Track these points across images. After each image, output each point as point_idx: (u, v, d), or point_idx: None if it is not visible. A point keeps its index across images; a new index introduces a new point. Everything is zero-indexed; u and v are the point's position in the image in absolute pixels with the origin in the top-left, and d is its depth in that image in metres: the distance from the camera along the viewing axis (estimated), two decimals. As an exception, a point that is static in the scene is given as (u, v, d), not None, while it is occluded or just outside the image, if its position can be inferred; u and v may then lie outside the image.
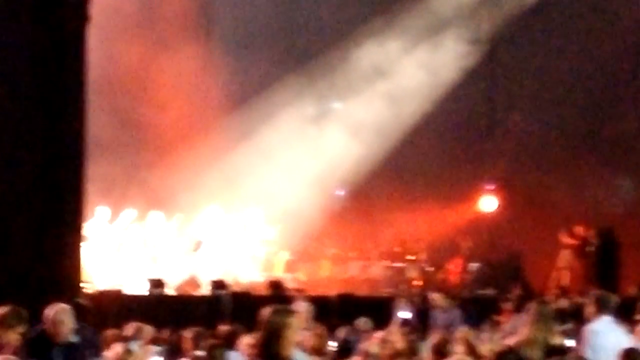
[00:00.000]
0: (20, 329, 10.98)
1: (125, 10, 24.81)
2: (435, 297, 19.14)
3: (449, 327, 16.87)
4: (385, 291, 25.00)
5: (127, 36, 25.13)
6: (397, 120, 27.65)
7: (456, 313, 18.81)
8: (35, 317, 13.72)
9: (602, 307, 12.78)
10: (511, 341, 12.18)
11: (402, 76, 28.02)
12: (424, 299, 20.65)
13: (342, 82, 27.95)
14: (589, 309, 13.00)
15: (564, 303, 21.47)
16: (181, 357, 12.82)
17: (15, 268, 17.40)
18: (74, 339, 11.51)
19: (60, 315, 11.63)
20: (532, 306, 12.29)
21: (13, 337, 10.90)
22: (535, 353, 11.61)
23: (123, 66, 25.12)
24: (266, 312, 9.27)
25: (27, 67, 18.30)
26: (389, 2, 27.92)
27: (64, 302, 16.88)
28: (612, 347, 11.38)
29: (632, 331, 14.22)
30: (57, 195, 18.56)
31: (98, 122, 21.24)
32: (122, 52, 25.02)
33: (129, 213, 24.49)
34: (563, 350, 11.86)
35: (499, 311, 20.56)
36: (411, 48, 28.06)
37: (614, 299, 13.30)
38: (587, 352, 11.91)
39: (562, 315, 19.25)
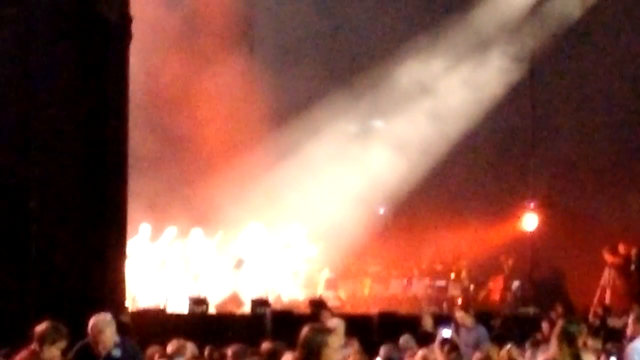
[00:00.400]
0: (61, 344, 11.03)
1: (167, 25, 24.76)
2: (459, 316, 19.08)
3: (475, 345, 16.93)
4: (427, 309, 24.94)
5: (169, 51, 25.16)
6: (440, 138, 27.64)
7: (481, 331, 18.72)
8: (78, 334, 13.84)
9: None
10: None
11: (445, 94, 28.04)
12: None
13: (386, 99, 27.96)
14: (632, 326, 12.99)
15: (612, 322, 21.55)
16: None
17: (58, 285, 17.48)
18: (116, 352, 11.48)
19: (101, 325, 11.61)
20: (558, 324, 12.24)
21: (54, 352, 10.96)
22: None
23: (165, 81, 25.19)
24: (305, 330, 9.29)
25: (72, 85, 18.44)
26: (432, 20, 27.86)
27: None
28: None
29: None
30: (100, 212, 18.68)
31: (141, 138, 21.37)
32: (164, 67, 25.01)
33: (171, 230, 24.57)
34: None
35: (540, 330, 20.56)
36: (454, 66, 28.10)
37: None
38: None
39: (610, 334, 19.35)
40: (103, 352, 11.47)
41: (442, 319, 20.08)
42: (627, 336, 13.43)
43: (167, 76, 25.19)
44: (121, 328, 16.93)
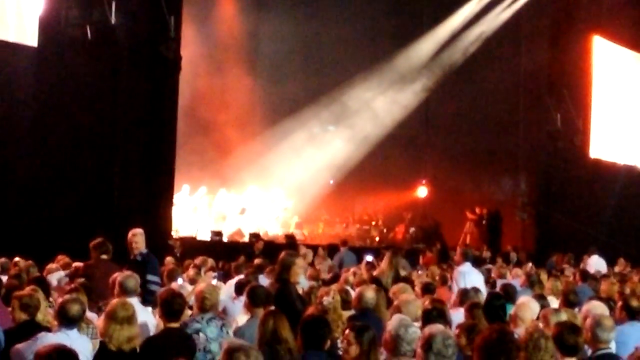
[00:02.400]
0: (108, 253, 11.14)
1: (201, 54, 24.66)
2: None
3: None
4: (357, 244, 25.10)
5: (203, 71, 24.91)
6: (370, 136, 27.69)
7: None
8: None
9: (465, 257, 13.08)
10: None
11: (376, 108, 28.00)
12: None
13: (339, 111, 27.88)
14: (457, 258, 13.38)
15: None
16: (230, 279, 12.86)
17: (133, 221, 17.53)
18: (139, 257, 11.14)
19: (134, 234, 11.31)
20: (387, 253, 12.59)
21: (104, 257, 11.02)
22: (386, 281, 11.86)
23: (200, 91, 24.94)
24: (282, 254, 9.56)
25: (142, 99, 18.53)
26: (374, 59, 27.80)
27: (159, 244, 17.30)
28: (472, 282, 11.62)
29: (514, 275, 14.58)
30: (157, 176, 18.84)
31: (184, 127, 21.36)
32: (200, 82, 24.76)
33: (202, 189, 24.57)
34: (406, 279, 12.24)
35: (423, 257, 20.83)
36: (384, 91, 28.04)
37: (471, 252, 13.69)
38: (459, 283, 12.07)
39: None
40: (132, 255, 11.22)
41: (366, 250, 20.34)
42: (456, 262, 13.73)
43: (201, 88, 24.83)
44: (167, 247, 17.27)
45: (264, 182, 26.29)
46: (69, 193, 17.15)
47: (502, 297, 9.37)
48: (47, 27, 17.12)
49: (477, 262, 19.39)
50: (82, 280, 10.01)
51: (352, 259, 18.63)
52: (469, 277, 12.36)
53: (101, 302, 9.06)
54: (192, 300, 10.66)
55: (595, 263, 19.86)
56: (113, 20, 17.31)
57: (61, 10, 17.30)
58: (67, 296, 7.76)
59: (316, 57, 27.75)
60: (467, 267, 12.76)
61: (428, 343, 5.85)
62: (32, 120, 17.05)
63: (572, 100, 27.33)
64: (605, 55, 28.77)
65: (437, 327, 6.00)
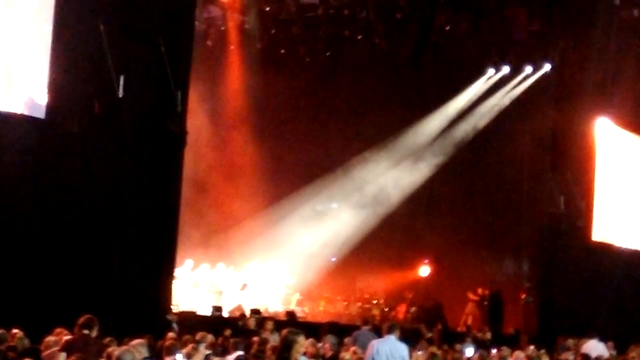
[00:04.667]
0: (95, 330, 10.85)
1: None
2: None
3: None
4: (358, 322, 24.85)
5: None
6: (370, 217, 27.68)
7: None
8: (142, 327, 13.89)
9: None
10: None
11: (378, 188, 28.04)
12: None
13: (340, 190, 27.93)
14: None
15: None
16: (227, 354, 12.74)
17: (132, 296, 17.53)
18: None
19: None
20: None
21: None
22: None
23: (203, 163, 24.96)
24: (284, 331, 9.50)
25: (148, 169, 18.55)
26: (375, 139, 27.96)
27: (158, 318, 17.19)
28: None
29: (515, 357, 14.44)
30: (159, 251, 18.79)
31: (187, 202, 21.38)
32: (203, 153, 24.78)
33: (204, 265, 24.50)
34: None
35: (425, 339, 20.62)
36: (387, 171, 28.12)
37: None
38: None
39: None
40: None
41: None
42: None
43: (206, 162, 24.98)
44: (166, 323, 17.14)
45: (266, 258, 26.21)
46: (69, 265, 17.08)
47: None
48: (55, 99, 17.23)
49: (479, 345, 19.34)
50: (77, 354, 9.92)
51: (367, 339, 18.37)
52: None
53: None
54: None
55: (594, 348, 19.64)
56: (120, 93, 17.44)
57: (69, 83, 17.43)
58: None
59: (322, 131, 27.88)
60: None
61: None
62: (36, 191, 17.06)
63: (576, 182, 27.38)
64: (609, 138, 28.86)
65: None
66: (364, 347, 16.01)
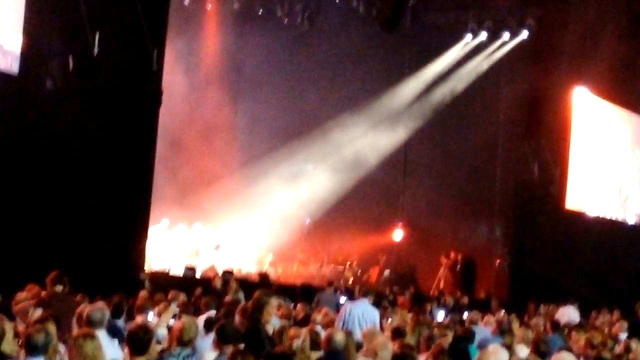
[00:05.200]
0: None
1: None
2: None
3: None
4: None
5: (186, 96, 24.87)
6: (345, 179, 27.71)
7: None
8: (114, 286, 13.90)
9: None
10: None
11: (355, 149, 28.04)
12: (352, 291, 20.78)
13: (317, 151, 27.93)
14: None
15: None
16: (200, 314, 12.77)
17: (105, 253, 17.52)
18: None
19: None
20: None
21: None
22: None
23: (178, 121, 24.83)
24: (256, 292, 9.55)
25: (123, 128, 18.45)
26: (355, 102, 27.85)
27: (131, 277, 17.22)
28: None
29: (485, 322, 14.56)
30: (133, 210, 18.78)
31: (162, 162, 21.33)
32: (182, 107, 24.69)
33: (181, 225, 24.50)
34: None
35: (396, 302, 20.76)
36: (365, 133, 28.08)
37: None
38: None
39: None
40: None
41: (340, 291, 20.27)
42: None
43: (181, 119, 24.84)
44: (139, 282, 17.17)
45: (240, 218, 26.17)
46: (42, 223, 17.03)
47: (465, 340, 9.41)
48: (28, 55, 17.08)
49: (455, 308, 19.51)
50: (50, 310, 9.93)
51: (330, 300, 18.50)
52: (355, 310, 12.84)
53: (67, 335, 8.99)
54: (160, 333, 10.65)
55: (566, 313, 19.87)
56: (95, 51, 17.31)
57: (43, 39, 17.28)
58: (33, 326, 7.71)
59: (299, 93, 27.78)
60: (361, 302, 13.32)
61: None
62: (9, 147, 16.95)
63: (550, 149, 27.50)
64: (585, 107, 28.98)
65: None
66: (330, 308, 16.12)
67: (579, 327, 14.78)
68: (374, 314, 13.45)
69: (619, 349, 12.27)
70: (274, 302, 9.71)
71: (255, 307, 9.41)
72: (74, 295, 11.59)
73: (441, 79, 28.31)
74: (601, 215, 29.64)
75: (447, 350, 9.02)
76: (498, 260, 27.23)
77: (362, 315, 12.99)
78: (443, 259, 26.95)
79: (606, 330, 16.80)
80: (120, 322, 11.12)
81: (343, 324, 12.61)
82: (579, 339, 12.65)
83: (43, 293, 11.58)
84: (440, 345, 9.58)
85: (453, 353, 8.90)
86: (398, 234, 28.79)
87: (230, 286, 17.11)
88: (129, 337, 7.66)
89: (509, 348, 10.10)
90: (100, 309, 8.77)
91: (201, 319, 11.43)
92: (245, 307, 10.91)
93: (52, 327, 8.16)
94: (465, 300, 21.92)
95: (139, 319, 10.76)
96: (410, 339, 10.48)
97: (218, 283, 17.97)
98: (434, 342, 9.83)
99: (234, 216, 26.04)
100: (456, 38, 28.15)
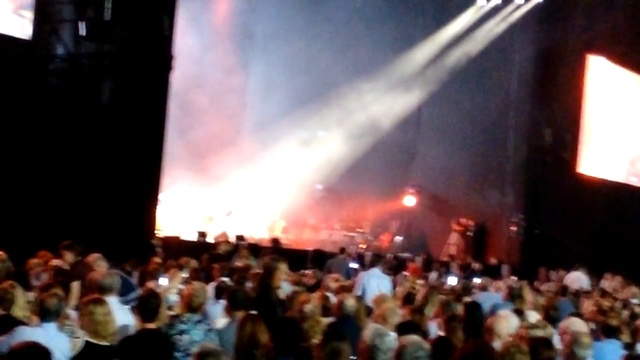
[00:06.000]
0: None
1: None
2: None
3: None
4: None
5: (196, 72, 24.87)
6: (359, 144, 27.61)
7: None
8: (127, 251, 13.95)
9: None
10: None
11: (369, 115, 27.91)
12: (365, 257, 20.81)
13: (329, 117, 27.82)
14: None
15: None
16: (212, 280, 12.82)
17: (117, 219, 17.57)
18: None
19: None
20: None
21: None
22: None
23: (190, 97, 24.83)
24: (266, 258, 9.56)
25: (136, 94, 18.42)
26: (369, 66, 27.62)
27: (144, 242, 17.26)
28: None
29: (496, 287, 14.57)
30: (144, 175, 18.79)
31: (174, 126, 21.30)
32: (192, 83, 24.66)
33: (192, 190, 24.50)
34: None
35: (407, 267, 20.81)
36: (378, 97, 27.93)
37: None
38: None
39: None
40: None
41: (352, 257, 20.29)
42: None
43: (193, 85, 24.66)
44: (150, 247, 17.20)
45: (252, 185, 26.15)
46: (53, 188, 17.10)
47: (480, 308, 9.42)
48: (41, 21, 17.09)
49: (468, 274, 19.54)
50: (60, 277, 9.98)
51: (341, 266, 18.54)
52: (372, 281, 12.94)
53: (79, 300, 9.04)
54: (171, 299, 10.69)
55: (576, 279, 19.88)
56: (107, 16, 17.28)
57: (55, 4, 17.27)
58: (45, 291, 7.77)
59: (312, 57, 27.47)
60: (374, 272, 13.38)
61: (398, 354, 5.93)
62: (23, 112, 16.99)
63: (563, 115, 27.40)
64: (599, 72, 28.85)
65: (408, 339, 6.03)
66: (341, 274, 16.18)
67: (588, 292, 14.79)
68: (387, 282, 13.50)
69: (626, 314, 12.27)
70: (283, 267, 9.73)
71: (265, 272, 9.44)
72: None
73: (455, 42, 28.13)
74: (614, 180, 29.58)
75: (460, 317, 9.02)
76: (512, 228, 27.14)
77: (377, 285, 13.02)
78: (454, 225, 26.94)
79: (618, 295, 16.81)
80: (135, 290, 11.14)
81: (363, 293, 12.63)
82: (589, 305, 12.68)
83: (54, 260, 11.64)
84: (452, 311, 9.60)
85: (468, 320, 8.91)
86: (410, 200, 28.69)
87: (241, 252, 17.13)
88: (139, 303, 7.72)
89: (520, 314, 10.08)
90: (110, 275, 8.81)
91: (212, 285, 11.47)
92: (257, 273, 10.96)
93: (61, 293, 8.23)
94: (477, 266, 21.96)
95: (150, 284, 10.77)
96: (425, 307, 10.43)
97: (222, 248, 17.99)
98: (450, 309, 9.81)
99: (246, 181, 25.94)
100: (470, 1, 27.97)
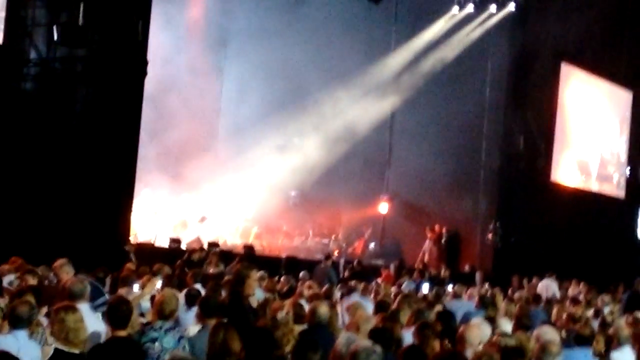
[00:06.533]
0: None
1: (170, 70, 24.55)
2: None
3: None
4: (316, 257, 25.00)
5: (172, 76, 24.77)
6: (331, 152, 27.56)
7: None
8: (99, 258, 13.84)
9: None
10: None
11: (342, 121, 27.86)
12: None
13: (303, 124, 27.77)
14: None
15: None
16: (185, 287, 12.76)
17: (90, 226, 17.46)
18: None
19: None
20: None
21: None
22: None
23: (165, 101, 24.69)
24: (237, 265, 9.50)
25: (111, 98, 18.32)
26: (344, 72, 27.55)
27: (118, 248, 17.15)
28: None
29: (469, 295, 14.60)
30: (118, 180, 18.66)
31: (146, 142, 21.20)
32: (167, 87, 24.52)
33: (166, 195, 24.40)
34: None
35: (380, 274, 20.80)
36: (352, 105, 27.82)
37: None
38: None
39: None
40: None
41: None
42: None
43: (166, 89, 24.52)
44: (124, 254, 17.08)
45: (226, 192, 26.06)
46: (26, 194, 16.97)
47: (453, 317, 9.42)
48: (14, 25, 16.97)
49: (436, 282, 19.54)
50: (32, 283, 9.90)
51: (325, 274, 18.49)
52: None
53: (50, 307, 8.95)
54: (144, 306, 10.62)
55: (546, 287, 19.99)
56: (81, 21, 17.21)
57: (28, 9, 17.17)
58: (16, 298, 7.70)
59: (287, 62, 27.46)
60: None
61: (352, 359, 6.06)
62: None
63: (536, 123, 27.52)
64: (571, 80, 29.04)
65: (360, 343, 6.13)
66: (321, 281, 16.17)
67: (560, 301, 14.85)
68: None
69: (597, 323, 12.32)
70: (254, 275, 9.65)
71: (236, 280, 9.36)
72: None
73: (427, 51, 28.12)
74: (586, 188, 29.78)
75: (433, 325, 8.99)
76: (489, 235, 27.15)
77: None
78: (428, 232, 26.94)
79: (587, 302, 16.88)
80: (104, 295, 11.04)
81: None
82: (559, 312, 12.72)
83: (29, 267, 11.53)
84: (425, 319, 9.56)
85: (442, 329, 8.89)
86: (384, 207, 28.71)
87: (210, 259, 17.08)
88: (109, 311, 7.59)
89: (492, 321, 10.06)
90: (81, 281, 8.72)
91: (184, 293, 11.40)
92: (229, 280, 10.90)
93: (32, 300, 8.14)
94: (447, 273, 22.02)
95: (121, 291, 10.69)
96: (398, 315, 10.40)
97: (196, 256, 17.94)
98: (422, 316, 9.74)
99: (220, 187, 25.85)
100: (443, 10, 28.01)
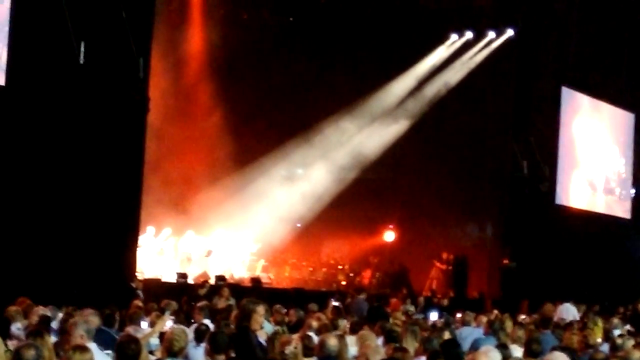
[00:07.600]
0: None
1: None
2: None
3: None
4: (324, 288, 24.97)
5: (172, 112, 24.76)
6: (336, 182, 27.56)
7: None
8: (106, 295, 13.82)
9: None
10: None
11: (345, 153, 27.86)
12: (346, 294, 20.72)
13: (306, 155, 27.74)
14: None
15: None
16: (192, 323, 12.69)
17: (96, 263, 17.45)
18: None
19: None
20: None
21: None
22: None
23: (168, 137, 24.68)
24: (243, 300, 9.47)
25: (114, 135, 18.37)
26: (348, 101, 27.61)
27: (124, 285, 17.13)
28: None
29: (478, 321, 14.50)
30: (122, 218, 18.68)
31: (151, 175, 21.19)
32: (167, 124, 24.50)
33: (167, 230, 24.36)
34: None
35: (389, 303, 20.71)
36: (354, 135, 27.90)
37: None
38: None
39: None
40: None
41: (332, 294, 20.21)
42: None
43: (169, 127, 24.51)
44: (131, 291, 17.08)
45: (231, 225, 26.00)
46: (31, 232, 16.95)
47: (458, 345, 9.35)
48: (16, 65, 17.02)
49: (443, 309, 19.48)
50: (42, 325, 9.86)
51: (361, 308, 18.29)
52: None
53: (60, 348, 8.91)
54: (154, 343, 10.58)
55: (566, 310, 19.76)
56: (82, 60, 17.26)
57: (29, 50, 17.21)
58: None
59: (287, 98, 27.51)
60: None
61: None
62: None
63: (539, 147, 27.54)
64: (572, 104, 29.06)
65: None
66: (359, 315, 16.00)
67: (570, 325, 14.71)
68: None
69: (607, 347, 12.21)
70: (260, 309, 9.59)
71: (242, 315, 9.32)
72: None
73: (428, 79, 28.19)
74: (591, 210, 29.72)
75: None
76: (505, 261, 27.01)
77: None
78: (436, 261, 26.90)
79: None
80: (113, 333, 11.00)
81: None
82: (572, 337, 12.59)
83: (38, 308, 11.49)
84: (434, 348, 9.51)
85: (446, 356, 8.82)
86: (389, 235, 28.66)
87: (222, 292, 17.03)
88: (118, 349, 7.56)
89: (504, 348, 9.98)
90: (90, 320, 8.69)
91: (193, 328, 11.35)
92: (237, 315, 10.84)
93: (43, 343, 8.07)
94: (445, 302, 21.96)
95: (129, 329, 10.64)
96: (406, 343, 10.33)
97: (202, 292, 17.89)
98: (430, 345, 9.69)
99: (224, 223, 25.80)
100: (441, 38, 28.09)
